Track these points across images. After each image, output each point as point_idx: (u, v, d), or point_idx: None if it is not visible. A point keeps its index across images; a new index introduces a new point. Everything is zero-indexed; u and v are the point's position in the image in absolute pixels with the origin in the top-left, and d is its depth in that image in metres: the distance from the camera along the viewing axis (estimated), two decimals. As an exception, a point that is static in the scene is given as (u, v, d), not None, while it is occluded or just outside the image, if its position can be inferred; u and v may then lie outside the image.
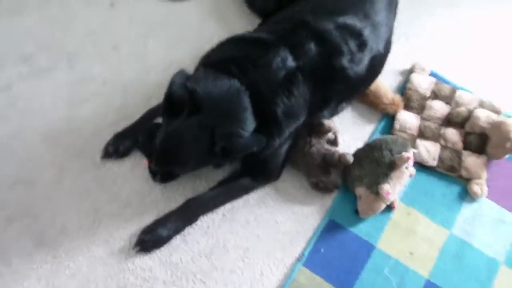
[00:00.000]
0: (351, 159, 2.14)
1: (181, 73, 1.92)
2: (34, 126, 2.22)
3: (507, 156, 2.30)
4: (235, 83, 1.89)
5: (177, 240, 2.04)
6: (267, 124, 1.95)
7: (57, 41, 2.44)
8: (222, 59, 2.01)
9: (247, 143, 1.86)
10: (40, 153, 2.15)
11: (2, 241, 1.97)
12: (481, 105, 2.40)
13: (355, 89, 2.22)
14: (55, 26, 2.49)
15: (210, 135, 1.83)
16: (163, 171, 2.05)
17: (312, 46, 2.00)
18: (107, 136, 2.19)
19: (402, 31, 2.65)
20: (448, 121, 2.39)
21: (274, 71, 1.93)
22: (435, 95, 2.46)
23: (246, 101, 1.89)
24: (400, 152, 2.12)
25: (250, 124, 1.89)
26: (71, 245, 1.99)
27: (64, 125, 2.23)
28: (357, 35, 2.10)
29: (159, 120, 2.15)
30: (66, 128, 2.22)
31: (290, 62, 1.95)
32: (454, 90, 2.48)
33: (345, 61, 2.05)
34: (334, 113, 2.27)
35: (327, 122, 2.20)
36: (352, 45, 2.07)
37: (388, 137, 2.22)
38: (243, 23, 2.59)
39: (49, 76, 2.34)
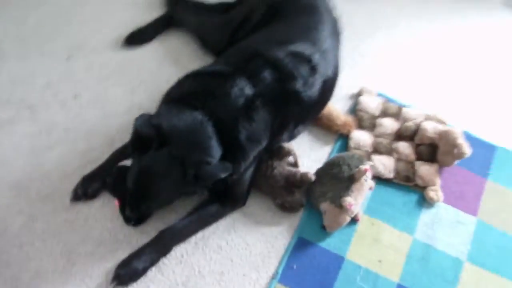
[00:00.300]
0: (312, 177, 2.25)
1: (143, 115, 2.00)
2: (0, 176, 2.24)
3: (456, 162, 2.45)
4: (198, 115, 2.00)
5: (153, 272, 2.07)
6: (232, 150, 2.04)
7: (18, 94, 2.51)
8: (182, 94, 2.12)
9: (215, 170, 1.95)
10: (7, 202, 2.17)
11: (-25, 290, 1.96)
12: (427, 118, 2.57)
13: (310, 111, 2.35)
14: (15, 80, 2.56)
15: (181, 165, 1.91)
16: (137, 214, 2.09)
17: (267, 74, 2.13)
18: (75, 180, 2.23)
19: (347, 61, 2.83)
20: (398, 136, 2.54)
21: (233, 99, 2.04)
22: (384, 114, 2.62)
23: (210, 131, 1.99)
24: (357, 166, 2.24)
25: (216, 152, 1.99)
26: (47, 287, 1.99)
27: (30, 173, 2.26)
28: (307, 61, 2.25)
29: (124, 162, 2.21)
30: (32, 176, 2.25)
31: (248, 90, 2.07)
32: (400, 107, 2.65)
33: (298, 86, 2.19)
34: (292, 136, 2.39)
35: (286, 145, 2.32)
36: (304, 70, 2.22)
37: (345, 153, 2.35)
38: (197, 63, 2.68)
39: (11, 128, 2.39)
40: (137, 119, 1.96)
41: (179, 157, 1.92)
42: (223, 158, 2.01)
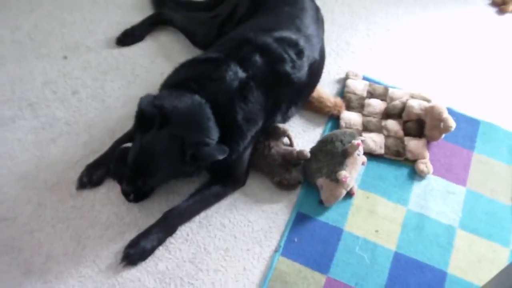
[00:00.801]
0: (308, 154, 2.35)
1: (148, 95, 2.11)
2: (7, 169, 2.31)
3: (443, 136, 2.57)
4: (196, 97, 2.11)
5: (160, 251, 2.15)
6: (230, 131, 2.16)
7: (18, 93, 2.58)
8: (180, 80, 2.24)
9: (213, 151, 2.06)
10: (16, 193, 2.24)
11: (-10, 275, 2.02)
12: (412, 96, 2.69)
13: (300, 93, 2.46)
14: (14, 80, 2.63)
15: (180, 145, 2.02)
16: (136, 188, 2.17)
17: (257, 58, 2.25)
18: (79, 169, 2.31)
19: (332, 48, 2.99)
20: (386, 114, 2.66)
21: (229, 82, 2.16)
22: (371, 95, 2.74)
23: (209, 112, 2.10)
24: (350, 142, 2.34)
25: (214, 133, 2.10)
26: (60, 269, 2.06)
27: (36, 164, 2.34)
28: (294, 45, 2.37)
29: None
30: (38, 167, 2.33)
31: (241, 74, 2.19)
32: (386, 88, 2.77)
33: (288, 68, 2.31)
34: (286, 117, 2.49)
35: (281, 126, 2.42)
36: (292, 53, 2.34)
37: (337, 131, 2.46)
38: (187, 58, 2.80)
39: (15, 124, 2.46)
40: (142, 99, 2.06)
41: (179, 137, 2.02)
42: (222, 138, 2.12)
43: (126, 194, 2.20)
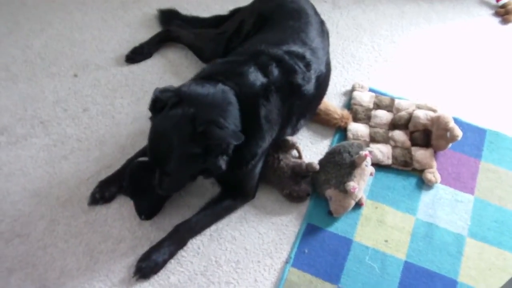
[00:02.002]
0: (317, 166, 2.37)
1: (163, 87, 2.11)
2: (21, 186, 2.36)
3: (449, 146, 2.59)
4: (221, 85, 2.11)
5: (172, 264, 2.17)
6: (251, 129, 2.13)
7: (30, 111, 2.63)
8: (207, 74, 2.25)
9: (225, 134, 1.98)
10: (29, 210, 2.28)
11: (6, 291, 2.06)
12: (418, 107, 2.71)
13: (309, 105, 2.49)
14: (26, 99, 2.69)
15: (191, 121, 1.96)
16: (161, 182, 2.12)
17: (274, 67, 2.28)
18: (91, 185, 2.35)
19: (338, 61, 3.03)
20: (393, 125, 2.68)
21: (252, 80, 2.19)
22: (378, 106, 2.77)
23: (232, 98, 2.09)
24: (357, 153, 2.36)
25: (233, 119, 2.04)
26: (73, 284, 2.09)
27: (48, 181, 2.38)
28: (302, 57, 2.41)
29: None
30: (51, 184, 2.37)
31: (261, 78, 2.22)
32: (392, 99, 2.80)
33: (299, 79, 2.34)
34: (295, 130, 2.53)
35: (290, 139, 2.45)
36: (301, 65, 2.37)
37: (344, 142, 2.48)
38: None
39: (27, 142, 2.51)
40: (156, 88, 2.07)
41: (191, 114, 1.97)
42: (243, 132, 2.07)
43: (139, 213, 2.24)
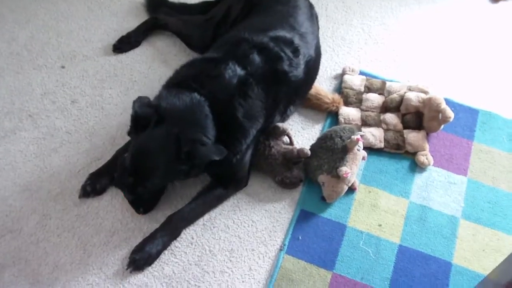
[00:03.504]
0: (308, 152, 2.36)
1: (140, 98, 2.10)
2: (11, 181, 2.33)
3: (442, 127, 2.58)
4: (195, 95, 2.11)
5: (166, 255, 2.17)
6: (231, 129, 2.15)
7: (18, 105, 2.60)
8: (180, 79, 2.24)
9: (209, 151, 2.04)
10: (20, 204, 2.26)
11: (-1, 288, 2.05)
12: (410, 89, 2.69)
13: (298, 91, 2.47)
14: (13, 92, 2.66)
15: (176, 141, 2.00)
16: (137, 195, 2.15)
17: (255, 56, 2.26)
18: (82, 177, 2.33)
19: (328, 44, 3.00)
20: (385, 108, 2.67)
21: (228, 79, 2.17)
22: (369, 89, 2.75)
23: (207, 110, 2.10)
24: (349, 137, 2.35)
25: (211, 132, 2.09)
26: (67, 278, 2.08)
27: (39, 175, 2.36)
28: (290, 43, 2.38)
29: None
30: (41, 178, 2.35)
31: (239, 71, 2.20)
32: (384, 82, 2.78)
33: (285, 66, 2.32)
34: (284, 116, 2.51)
35: (281, 125, 2.43)
36: (288, 51, 2.35)
37: (336, 127, 2.46)
38: (185, 61, 2.82)
39: (16, 136, 2.48)
40: (135, 102, 2.06)
41: (174, 133, 2.01)
42: (223, 137, 2.11)
43: (135, 207, 2.21)
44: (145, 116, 2.03)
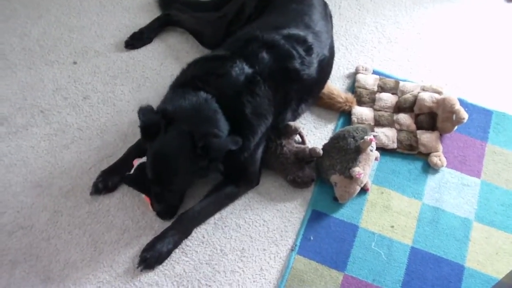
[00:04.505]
0: (320, 151, 2.34)
1: (142, 107, 2.09)
2: (22, 177, 2.33)
3: (455, 128, 2.55)
4: (201, 93, 2.10)
5: (177, 254, 2.16)
6: (240, 126, 2.14)
7: (30, 100, 2.60)
8: (186, 79, 2.23)
9: (224, 143, 2.03)
10: (32, 201, 2.26)
11: (10, 284, 2.04)
12: (423, 89, 2.67)
13: (310, 89, 2.45)
14: (25, 87, 2.65)
15: (190, 139, 2.00)
16: (166, 202, 2.17)
17: (264, 54, 2.25)
18: (93, 174, 2.32)
19: (341, 43, 2.97)
20: (398, 108, 2.64)
21: (234, 77, 2.15)
22: (382, 89, 2.72)
23: (215, 106, 2.09)
24: (362, 138, 2.33)
25: (223, 125, 2.08)
26: (78, 275, 2.07)
27: (50, 171, 2.35)
28: (303, 42, 2.36)
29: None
30: (52, 174, 2.34)
31: (247, 69, 2.18)
32: (397, 82, 2.76)
33: (296, 64, 2.30)
34: (296, 114, 2.49)
35: (293, 124, 2.41)
36: (300, 50, 2.33)
37: (349, 127, 2.44)
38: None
39: (28, 132, 2.48)
40: (139, 112, 2.06)
41: (187, 132, 2.00)
42: (231, 134, 2.10)
43: (161, 215, 2.21)
44: (153, 124, 2.03)
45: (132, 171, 2.25)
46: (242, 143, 2.09)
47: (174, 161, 2.04)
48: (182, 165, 2.05)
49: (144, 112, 2.06)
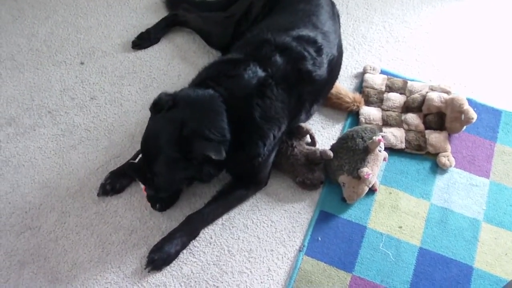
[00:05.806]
0: (331, 154, 2.33)
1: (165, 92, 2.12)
2: (30, 177, 2.34)
3: (464, 128, 2.53)
4: (209, 91, 2.10)
5: (184, 254, 2.16)
6: (248, 129, 2.12)
7: (37, 101, 2.61)
8: (201, 79, 2.23)
9: (205, 147, 1.97)
10: (39, 201, 2.26)
11: (19, 284, 2.04)
12: (432, 89, 2.65)
13: (322, 89, 2.45)
14: (33, 88, 2.66)
15: (178, 127, 1.98)
16: (147, 180, 2.13)
17: (277, 57, 2.23)
18: (101, 175, 2.33)
19: (348, 42, 2.96)
20: (406, 108, 2.63)
21: (247, 79, 2.14)
22: (390, 88, 2.71)
23: (220, 106, 2.06)
24: (370, 138, 2.32)
25: (221, 130, 2.03)
26: (85, 276, 2.07)
27: (58, 172, 2.36)
28: (313, 42, 2.35)
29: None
30: (60, 175, 2.35)
31: (260, 73, 2.17)
32: (405, 81, 2.74)
33: (309, 65, 2.29)
34: (309, 115, 2.48)
35: (304, 125, 2.41)
36: (311, 51, 2.32)
37: (358, 127, 2.43)
38: (205, 59, 2.82)
39: (35, 132, 2.49)
40: (162, 92, 2.11)
41: (179, 120, 1.99)
42: (241, 139, 2.09)
43: (152, 202, 2.21)
44: (163, 102, 2.05)
45: (136, 160, 2.26)
46: (250, 148, 2.11)
47: (157, 142, 2.01)
48: (165, 147, 2.00)
49: (162, 92, 2.11)
